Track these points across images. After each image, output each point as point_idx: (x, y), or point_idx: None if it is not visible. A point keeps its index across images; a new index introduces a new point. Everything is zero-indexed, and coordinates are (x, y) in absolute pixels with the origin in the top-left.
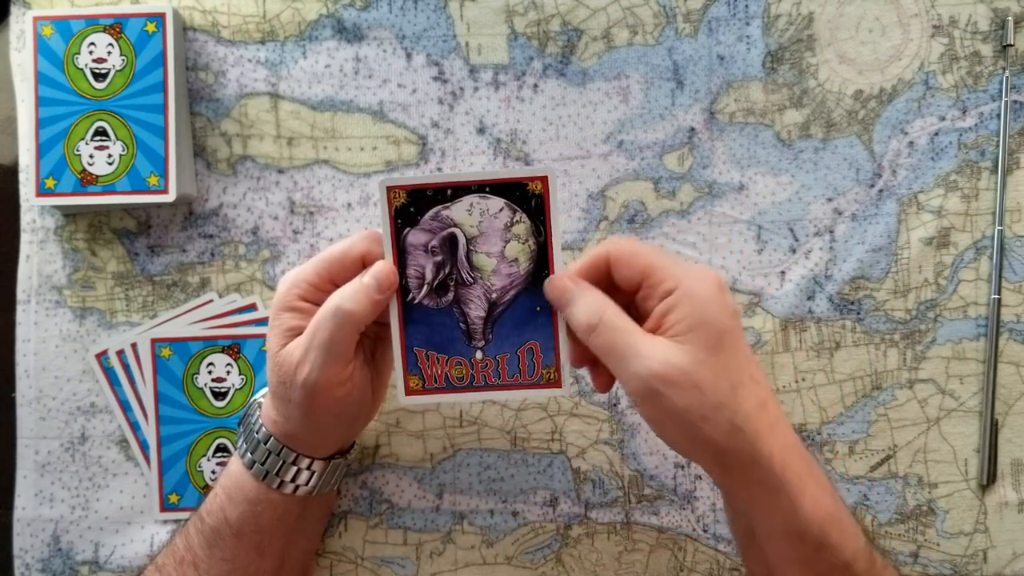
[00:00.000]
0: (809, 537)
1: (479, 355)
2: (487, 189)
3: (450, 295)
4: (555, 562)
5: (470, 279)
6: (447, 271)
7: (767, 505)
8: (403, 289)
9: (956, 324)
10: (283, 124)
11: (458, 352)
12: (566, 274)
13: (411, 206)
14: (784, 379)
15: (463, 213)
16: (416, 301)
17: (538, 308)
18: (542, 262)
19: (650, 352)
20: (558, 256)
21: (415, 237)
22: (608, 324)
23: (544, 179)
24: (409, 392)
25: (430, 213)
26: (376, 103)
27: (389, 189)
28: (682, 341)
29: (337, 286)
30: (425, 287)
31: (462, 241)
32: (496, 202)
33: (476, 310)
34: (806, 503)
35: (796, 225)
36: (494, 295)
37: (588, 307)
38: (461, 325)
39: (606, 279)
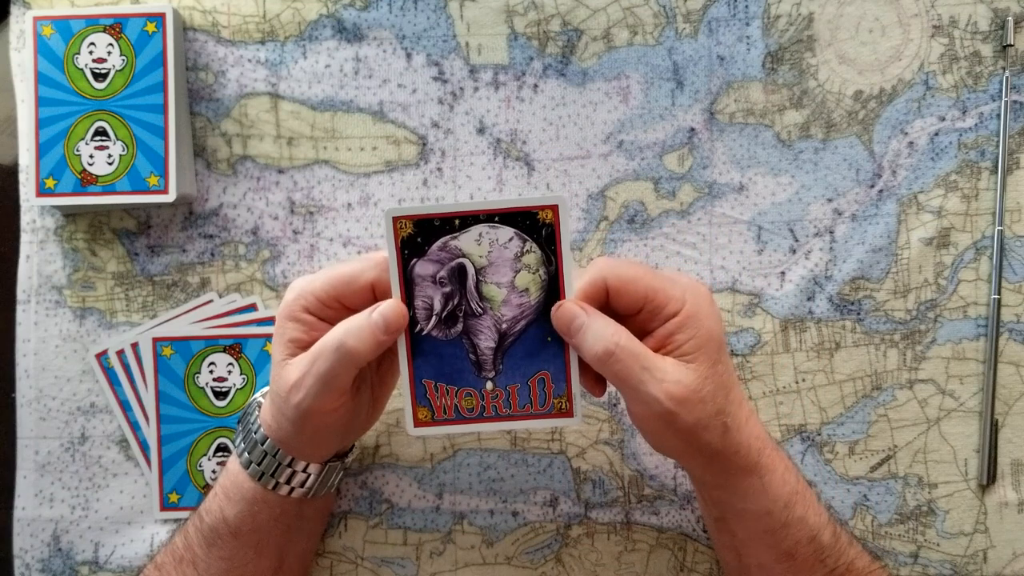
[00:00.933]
0: (776, 512)
1: (489, 386)
2: (496, 218)
3: (459, 326)
4: (555, 562)
5: (479, 310)
6: (456, 302)
7: (741, 488)
8: (411, 320)
9: (956, 324)
10: (283, 124)
11: (468, 383)
12: (574, 301)
13: (418, 236)
14: (784, 379)
15: (472, 243)
16: (424, 332)
17: (549, 338)
18: (553, 292)
19: (663, 375)
20: (570, 286)
21: (423, 268)
22: (625, 350)
23: (555, 208)
24: (418, 424)
25: (438, 243)
26: (376, 103)
27: (395, 219)
28: (691, 360)
29: (343, 306)
30: (434, 318)
31: (471, 272)
32: (505, 232)
33: (486, 341)
34: (775, 481)
35: (796, 225)
36: (504, 326)
37: (602, 334)
38: (471, 356)
39: (604, 303)
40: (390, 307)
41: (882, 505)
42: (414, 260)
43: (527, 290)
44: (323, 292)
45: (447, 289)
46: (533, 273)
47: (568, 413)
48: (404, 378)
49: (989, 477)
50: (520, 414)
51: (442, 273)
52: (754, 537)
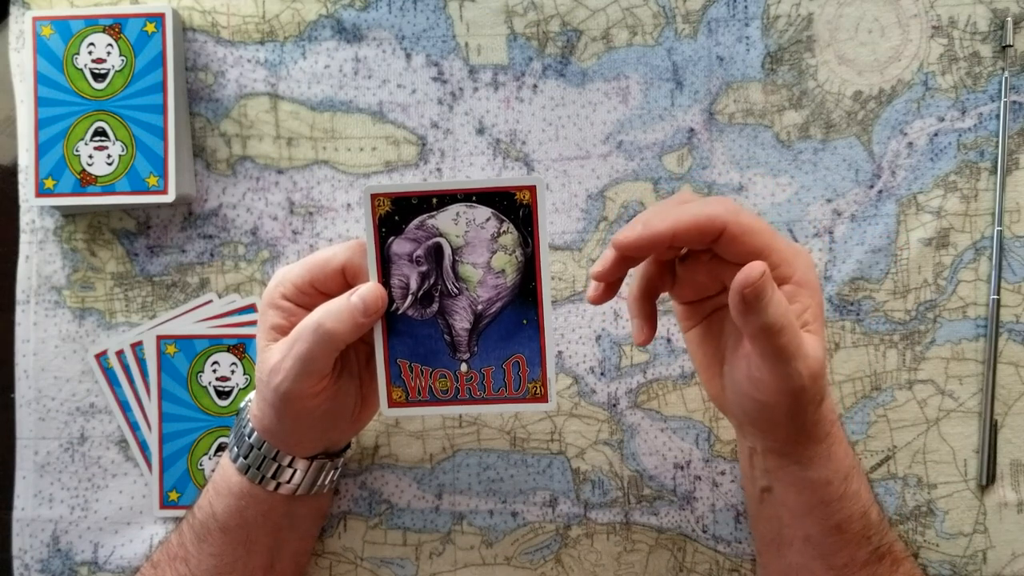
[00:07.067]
0: (836, 483)
1: (464, 368)
2: (473, 198)
3: (435, 306)
4: (554, 562)
5: (455, 290)
6: (432, 282)
7: (808, 456)
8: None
9: (955, 325)
10: (282, 124)
11: (443, 364)
12: (765, 268)
13: (396, 214)
14: None
15: (449, 222)
16: (400, 312)
17: (524, 321)
18: (529, 274)
19: (808, 350)
20: (546, 269)
21: (400, 246)
22: (792, 325)
23: (532, 188)
24: (392, 404)
25: (415, 222)
26: (375, 103)
27: (373, 197)
28: (811, 331)
29: (318, 291)
30: (409, 297)
31: (447, 251)
32: (483, 212)
33: (461, 322)
34: (839, 452)
35: (795, 226)
36: (480, 307)
37: (781, 307)
38: (446, 337)
39: (709, 243)
40: (369, 290)
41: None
42: (391, 238)
43: (503, 271)
44: (298, 278)
45: (423, 268)
46: (510, 254)
47: (543, 398)
48: (379, 358)
49: (988, 477)
50: (494, 398)
51: (419, 252)
52: (808, 508)
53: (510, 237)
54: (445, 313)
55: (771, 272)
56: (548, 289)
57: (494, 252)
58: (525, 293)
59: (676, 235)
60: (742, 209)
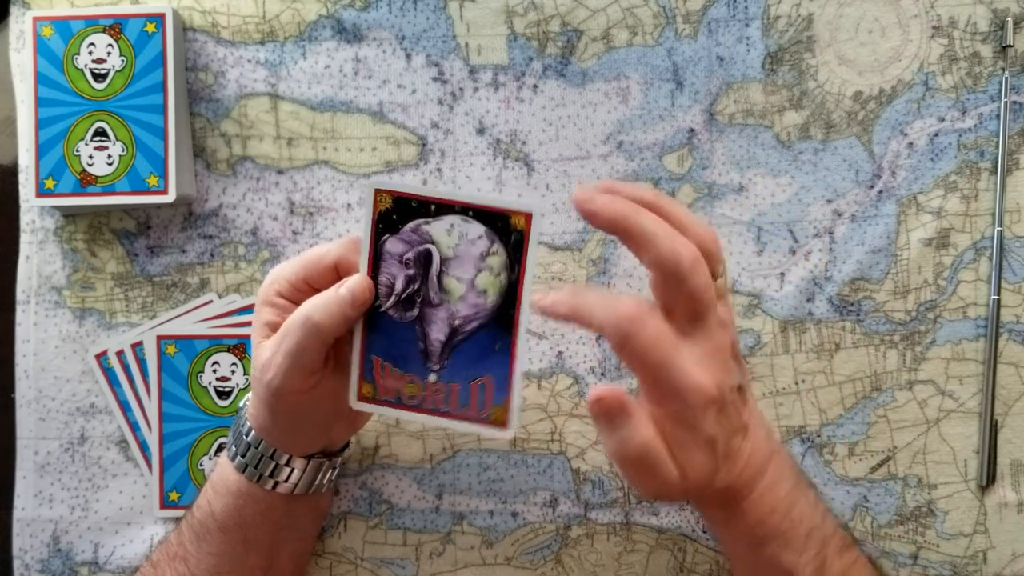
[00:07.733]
0: (756, 539)
1: (433, 378)
2: (470, 213)
3: (415, 311)
4: (555, 563)
5: (437, 300)
6: (416, 287)
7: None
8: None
9: (955, 325)
10: (283, 125)
11: (413, 370)
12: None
13: (394, 213)
14: (784, 381)
15: (442, 232)
16: (382, 309)
17: (497, 346)
18: (510, 300)
19: (676, 468)
20: (527, 299)
21: (393, 246)
22: (648, 455)
23: (528, 216)
24: (361, 398)
25: (411, 225)
26: (376, 104)
27: (377, 192)
28: (683, 445)
29: (312, 287)
30: (393, 297)
31: (436, 260)
32: (476, 228)
33: (437, 332)
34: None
35: (796, 226)
36: (457, 322)
37: (633, 438)
38: (420, 344)
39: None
40: (357, 281)
41: (882, 506)
42: (387, 236)
43: (485, 291)
44: (293, 275)
45: (411, 272)
46: (495, 276)
47: (502, 424)
48: (356, 349)
49: (989, 478)
50: (457, 413)
51: (409, 255)
52: (735, 554)
53: (498, 259)
54: (423, 320)
55: (656, 412)
56: (526, 320)
57: (480, 270)
58: (502, 319)
59: (583, 325)
60: (642, 331)
